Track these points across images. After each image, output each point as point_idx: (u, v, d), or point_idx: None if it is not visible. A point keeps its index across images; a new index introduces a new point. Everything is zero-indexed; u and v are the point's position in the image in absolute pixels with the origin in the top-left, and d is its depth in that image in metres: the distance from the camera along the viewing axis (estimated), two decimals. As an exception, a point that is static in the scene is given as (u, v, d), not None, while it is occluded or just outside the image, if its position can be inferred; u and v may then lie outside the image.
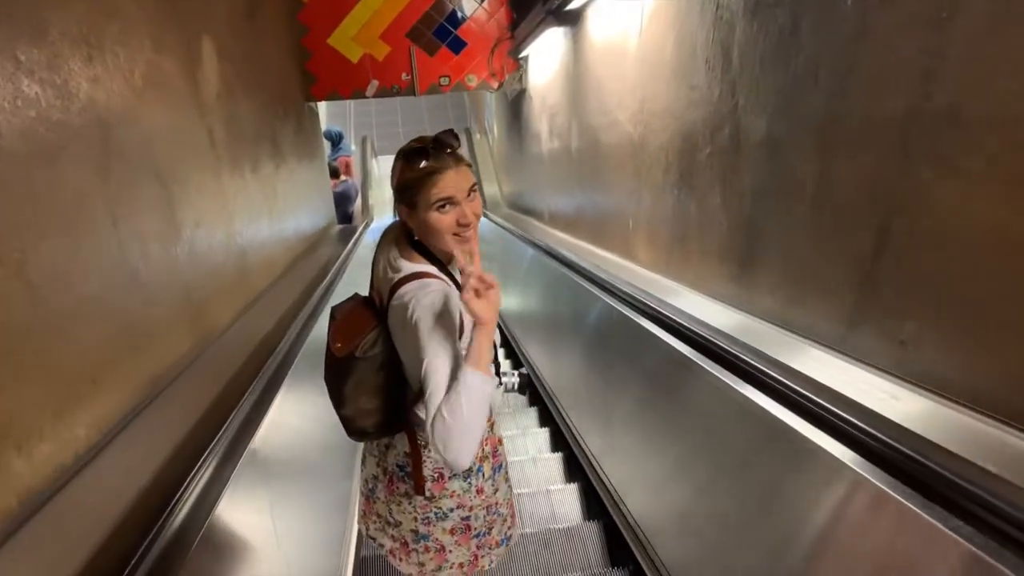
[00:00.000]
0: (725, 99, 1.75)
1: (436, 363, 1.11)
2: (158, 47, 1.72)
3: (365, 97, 4.68)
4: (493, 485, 1.50)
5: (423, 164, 1.21)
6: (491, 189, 6.86)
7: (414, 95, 4.74)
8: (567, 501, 2.81)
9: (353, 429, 1.38)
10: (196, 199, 1.93)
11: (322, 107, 10.43)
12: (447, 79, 4.71)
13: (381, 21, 4.45)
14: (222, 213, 2.19)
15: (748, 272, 1.74)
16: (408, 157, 1.24)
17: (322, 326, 2.58)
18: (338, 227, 5.87)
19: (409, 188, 1.24)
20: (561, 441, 3.29)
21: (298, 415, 1.95)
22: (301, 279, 2.98)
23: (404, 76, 4.65)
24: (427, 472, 1.40)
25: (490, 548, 1.53)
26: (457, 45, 4.62)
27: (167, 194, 1.69)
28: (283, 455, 1.74)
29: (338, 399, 1.34)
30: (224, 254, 2.16)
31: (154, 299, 1.55)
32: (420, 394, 1.15)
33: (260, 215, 2.76)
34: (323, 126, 7.14)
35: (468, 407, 1.06)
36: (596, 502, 2.66)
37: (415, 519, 1.45)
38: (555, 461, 3.17)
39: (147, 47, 1.66)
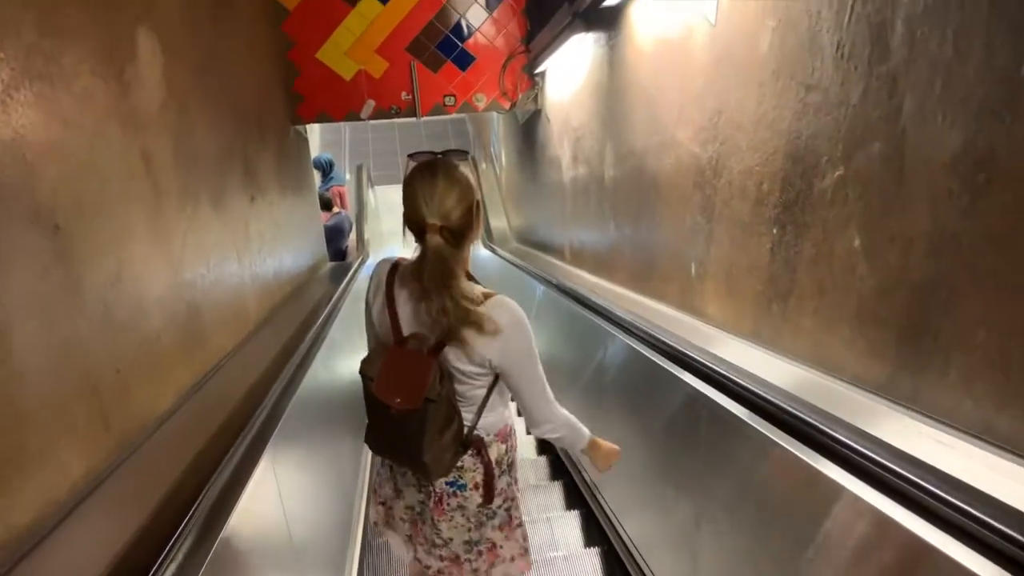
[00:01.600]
0: (875, 101, 1.23)
1: (540, 368, 1.42)
2: (50, 28, 1.20)
3: (360, 120, 4.19)
4: (516, 474, 1.60)
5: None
6: (498, 222, 6.36)
7: (415, 117, 4.25)
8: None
9: (437, 471, 1.41)
10: (116, 245, 1.39)
11: (314, 132, 10.01)
12: (452, 99, 4.23)
13: (378, 33, 3.98)
14: (163, 260, 1.65)
15: (918, 353, 1.19)
16: (458, 155, 1.40)
17: (305, 400, 2.08)
18: (329, 265, 5.35)
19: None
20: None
21: None
22: (280, 334, 2.44)
23: (404, 96, 4.17)
24: (482, 477, 1.49)
25: (526, 537, 1.63)
26: (464, 60, 4.15)
27: (55, 244, 1.15)
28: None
29: (415, 450, 1.35)
30: (165, 315, 1.61)
31: (29, 398, 1.00)
32: (481, 410, 1.44)
33: (225, 259, 2.22)
34: (314, 152, 6.67)
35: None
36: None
37: (468, 529, 1.52)
38: None
39: (27, 26, 1.13)
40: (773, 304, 1.65)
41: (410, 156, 1.42)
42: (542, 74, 4.11)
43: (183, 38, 2.00)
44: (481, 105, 4.28)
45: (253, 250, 2.64)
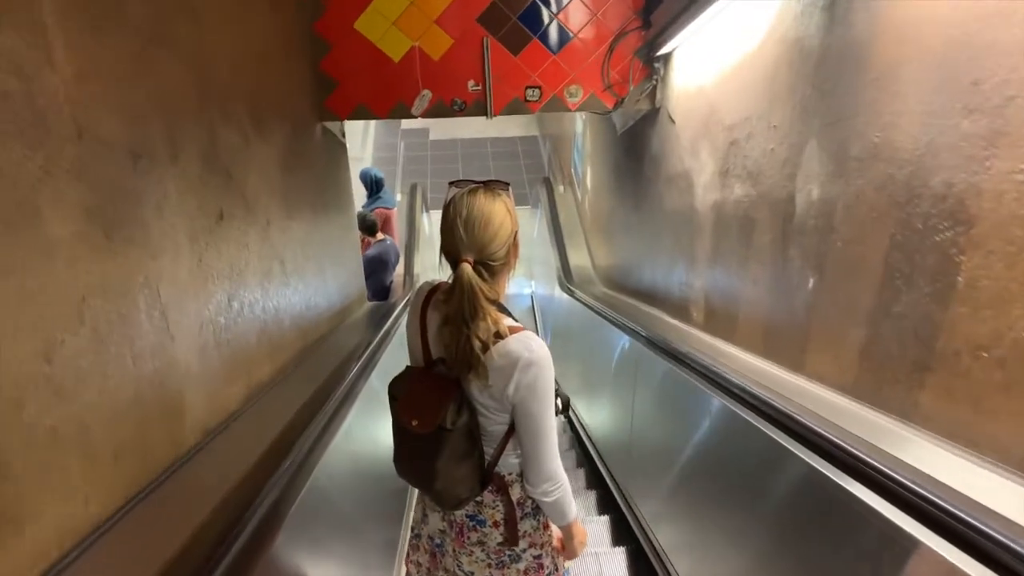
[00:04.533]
0: None
1: (551, 419, 1.36)
2: None
3: (411, 116, 3.19)
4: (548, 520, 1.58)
5: None
6: (579, 259, 5.25)
7: (486, 116, 3.22)
8: None
9: (448, 500, 1.43)
10: None
11: (367, 142, 9.09)
12: (537, 92, 3.19)
13: (439, -3, 3.00)
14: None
15: None
16: (498, 185, 1.41)
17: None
18: (368, 306, 4.37)
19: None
20: None
21: None
22: (254, 443, 1.42)
23: (472, 86, 3.16)
24: (502, 516, 1.48)
25: None
26: (556, 38, 3.11)
27: None
28: None
29: (427, 477, 1.39)
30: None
31: None
32: (503, 447, 1.42)
33: (167, 327, 1.20)
34: (364, 163, 5.78)
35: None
36: None
37: (488, 565, 1.52)
38: None
39: None
40: None
41: (451, 183, 1.44)
42: (664, 58, 3.02)
43: None
44: (575, 101, 3.22)
45: (213, 299, 1.62)
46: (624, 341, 3.01)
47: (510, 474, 1.46)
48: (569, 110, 3.26)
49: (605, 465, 3.50)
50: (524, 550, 1.51)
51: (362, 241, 4.80)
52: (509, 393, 1.32)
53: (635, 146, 3.67)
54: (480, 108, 3.18)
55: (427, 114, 3.17)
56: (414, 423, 1.36)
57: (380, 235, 4.84)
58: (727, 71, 2.34)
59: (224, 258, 1.71)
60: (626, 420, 3.04)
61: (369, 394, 2.42)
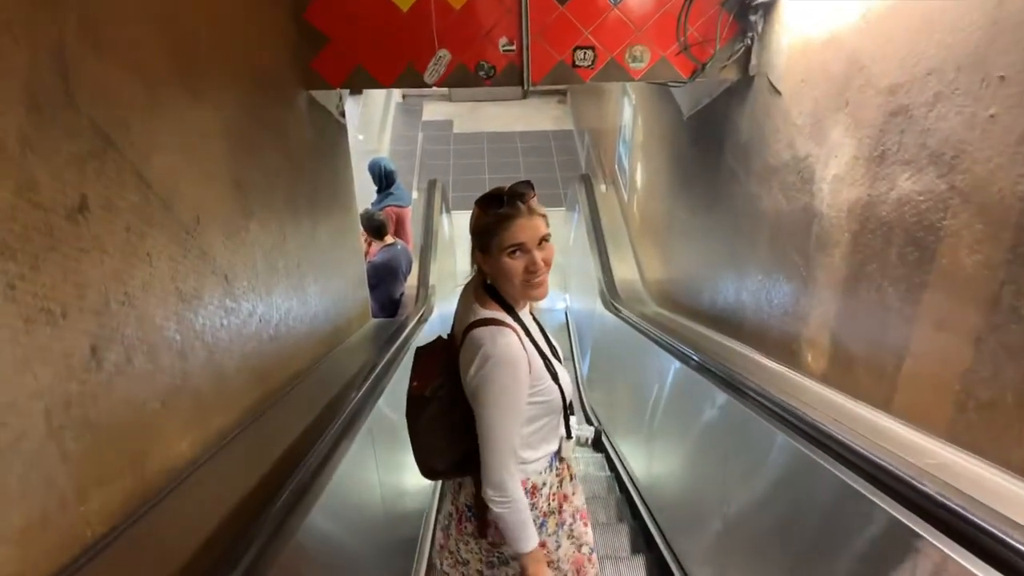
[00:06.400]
0: None
1: (502, 423, 1.33)
2: None
3: (423, 85, 2.50)
4: (556, 542, 1.56)
5: (499, 210, 1.33)
6: (625, 271, 4.50)
7: (522, 86, 2.52)
8: None
9: (425, 466, 1.49)
10: None
11: (384, 131, 8.33)
12: (589, 54, 2.48)
13: (464, -80, 2.30)
14: None
15: None
16: (484, 203, 1.37)
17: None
18: (372, 323, 3.70)
19: (484, 232, 1.36)
20: None
21: None
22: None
23: (504, 45, 2.45)
24: (492, 516, 1.43)
25: None
26: (618, -18, 2.39)
27: None
28: None
29: (412, 436, 1.47)
30: None
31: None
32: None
33: None
34: (378, 152, 5.13)
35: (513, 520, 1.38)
36: None
37: (480, 560, 1.55)
38: None
39: None
40: None
41: (482, 201, 1.40)
42: (765, 7, 2.28)
43: None
44: (639, 68, 2.50)
45: (53, 354, 0.93)
46: (703, 386, 2.26)
47: None
48: (631, 79, 2.53)
49: (668, 543, 2.74)
50: (513, 558, 1.49)
51: (367, 244, 4.13)
52: (467, 381, 1.35)
53: (710, 131, 2.94)
54: (514, 75, 2.47)
55: (445, 82, 2.47)
56: (414, 384, 1.46)
57: (390, 238, 4.15)
58: (888, 3, 1.60)
59: (80, 279, 1.02)
60: (713, 492, 2.29)
61: (358, 492, 1.75)
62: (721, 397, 2.02)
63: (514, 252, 1.33)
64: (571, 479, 1.61)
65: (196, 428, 1.41)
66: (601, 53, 2.46)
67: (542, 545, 1.50)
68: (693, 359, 2.31)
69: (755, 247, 2.44)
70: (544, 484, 1.50)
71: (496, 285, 1.42)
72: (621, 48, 2.47)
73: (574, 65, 2.47)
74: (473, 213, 1.40)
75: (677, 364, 2.53)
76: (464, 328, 1.36)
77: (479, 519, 1.48)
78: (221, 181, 1.63)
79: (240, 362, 1.68)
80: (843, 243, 1.83)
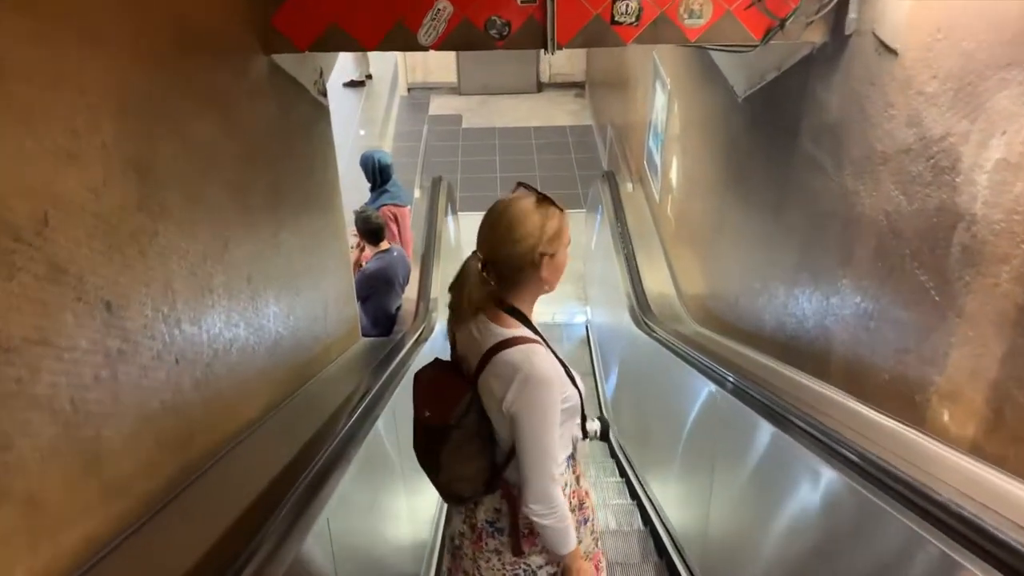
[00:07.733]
0: None
1: (546, 439, 1.32)
2: None
3: (418, 48, 1.98)
4: (578, 538, 1.51)
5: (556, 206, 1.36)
6: (654, 281, 3.93)
7: (544, 48, 1.99)
8: None
9: (449, 494, 1.48)
10: None
11: (389, 122, 7.80)
12: (632, 6, 1.95)
13: None
14: None
15: None
16: (551, 201, 1.35)
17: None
18: (362, 343, 3.19)
19: (561, 232, 1.35)
20: None
21: None
22: None
23: (521, -3, 1.92)
24: (538, 528, 1.43)
25: None
26: (674, -93, 1.85)
27: None
28: None
29: (432, 467, 1.43)
30: None
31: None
32: (511, 454, 1.38)
33: None
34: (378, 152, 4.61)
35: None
36: None
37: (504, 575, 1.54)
38: None
39: None
40: None
41: (548, 200, 1.39)
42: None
43: None
44: (697, 26, 1.96)
45: None
46: (787, 446, 1.70)
47: (516, 486, 1.43)
48: (685, 41, 1.99)
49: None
50: (540, 566, 1.49)
51: (359, 250, 3.60)
52: (507, 403, 1.32)
53: (777, 114, 2.39)
54: (534, 34, 1.94)
55: (445, 44, 1.94)
56: (427, 414, 1.41)
57: (386, 243, 3.62)
58: None
59: None
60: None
61: None
62: (826, 472, 1.46)
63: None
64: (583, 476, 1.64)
65: (28, 558, 0.88)
66: (648, 6, 1.92)
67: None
68: (776, 410, 1.75)
69: (850, 260, 1.89)
70: (566, 484, 1.49)
71: (528, 297, 1.41)
72: (673, 1, 1.93)
73: (613, 21, 1.93)
74: (549, 215, 1.34)
75: (745, 409, 1.97)
76: (488, 350, 1.34)
77: (513, 536, 1.47)
78: (102, 161, 1.10)
79: (133, 429, 1.15)
80: (1017, 258, 1.27)
